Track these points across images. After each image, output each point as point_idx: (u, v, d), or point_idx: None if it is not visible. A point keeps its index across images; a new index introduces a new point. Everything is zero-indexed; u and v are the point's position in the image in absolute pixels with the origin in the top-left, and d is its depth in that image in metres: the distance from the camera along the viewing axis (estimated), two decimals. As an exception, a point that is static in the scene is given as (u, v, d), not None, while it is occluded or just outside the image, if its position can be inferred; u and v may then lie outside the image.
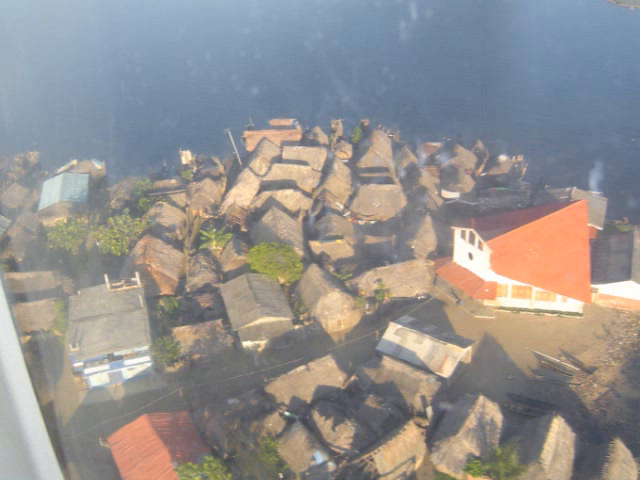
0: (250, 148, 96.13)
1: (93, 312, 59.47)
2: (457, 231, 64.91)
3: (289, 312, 60.40)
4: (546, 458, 41.38)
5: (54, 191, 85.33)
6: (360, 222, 77.56)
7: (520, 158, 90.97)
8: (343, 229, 73.30)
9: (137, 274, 62.72)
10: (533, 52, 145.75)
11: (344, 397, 51.24)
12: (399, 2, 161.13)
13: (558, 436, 43.30)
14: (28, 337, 58.53)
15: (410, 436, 45.03)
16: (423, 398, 48.94)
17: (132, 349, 55.74)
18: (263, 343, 58.35)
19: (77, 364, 55.41)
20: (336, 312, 60.42)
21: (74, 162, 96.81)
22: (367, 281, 63.81)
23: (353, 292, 63.08)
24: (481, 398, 46.94)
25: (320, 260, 68.37)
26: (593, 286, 60.65)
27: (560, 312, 60.30)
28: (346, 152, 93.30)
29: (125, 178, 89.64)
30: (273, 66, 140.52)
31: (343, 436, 45.70)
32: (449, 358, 52.44)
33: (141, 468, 43.71)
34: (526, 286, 60.82)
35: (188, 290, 65.62)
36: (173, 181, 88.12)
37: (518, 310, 61.25)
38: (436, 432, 46.44)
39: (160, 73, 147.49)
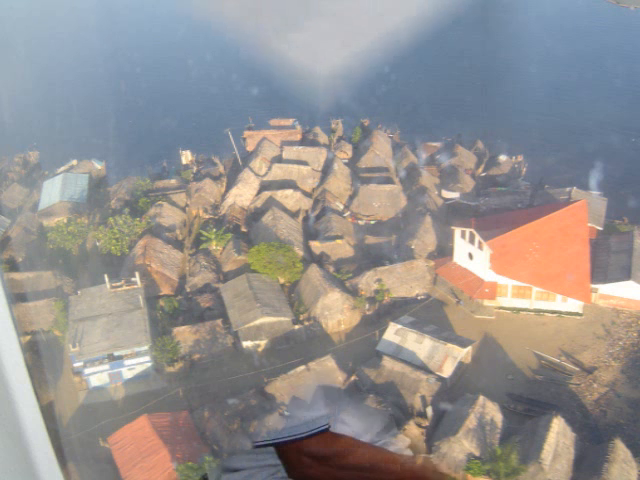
0: (250, 148, 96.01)
1: (93, 312, 59.46)
2: (457, 231, 64.90)
3: (289, 312, 60.38)
4: (546, 458, 41.37)
5: (54, 191, 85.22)
6: (360, 222, 77.51)
7: (520, 158, 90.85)
8: (343, 229, 73.26)
9: (137, 274, 62.69)
10: (533, 52, 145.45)
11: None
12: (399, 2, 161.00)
13: (558, 436, 43.30)
14: (28, 337, 58.44)
15: (410, 436, 45.03)
16: (423, 398, 48.94)
17: (132, 349, 55.74)
18: (263, 343, 58.34)
19: (77, 364, 55.38)
20: (336, 312, 60.40)
21: (74, 162, 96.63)
22: (367, 281, 63.79)
23: (353, 292, 63.05)
24: (481, 398, 46.93)
25: (320, 260, 68.34)
26: (593, 286, 60.61)
27: (560, 312, 60.27)
28: (346, 152, 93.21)
29: (125, 178, 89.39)
30: (273, 66, 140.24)
31: (343, 436, 45.63)
32: (449, 358, 52.44)
33: (141, 468, 43.71)
34: (526, 286, 60.79)
35: (188, 290, 65.60)
36: (173, 181, 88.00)
37: (518, 310, 61.22)
38: (436, 432, 46.41)
39: (160, 73, 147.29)
